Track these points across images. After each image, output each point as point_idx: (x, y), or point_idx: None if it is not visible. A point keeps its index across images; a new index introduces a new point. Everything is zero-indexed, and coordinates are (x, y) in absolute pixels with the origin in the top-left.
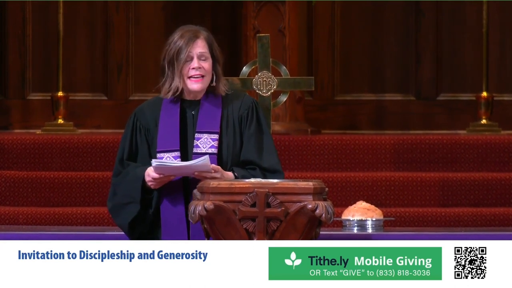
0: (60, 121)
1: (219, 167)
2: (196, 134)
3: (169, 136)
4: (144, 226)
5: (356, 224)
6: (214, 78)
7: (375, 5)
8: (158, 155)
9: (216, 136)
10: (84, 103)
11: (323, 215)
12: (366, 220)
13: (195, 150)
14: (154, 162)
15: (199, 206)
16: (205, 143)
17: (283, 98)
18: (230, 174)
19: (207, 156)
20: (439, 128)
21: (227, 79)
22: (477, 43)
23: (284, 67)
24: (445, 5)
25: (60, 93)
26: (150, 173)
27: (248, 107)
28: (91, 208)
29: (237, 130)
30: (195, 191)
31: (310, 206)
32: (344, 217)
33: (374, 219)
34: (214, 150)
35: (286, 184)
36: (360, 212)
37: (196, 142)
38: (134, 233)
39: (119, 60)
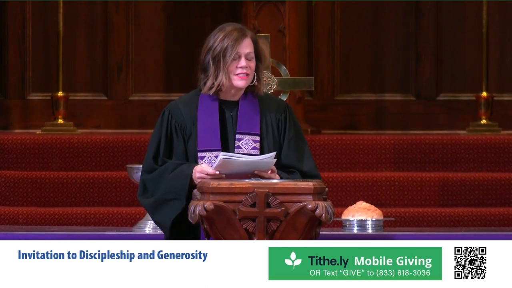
0: (60, 121)
1: (275, 168)
2: (237, 135)
3: (210, 136)
4: (185, 224)
5: (356, 224)
6: (255, 78)
7: (375, 5)
8: (199, 154)
9: (257, 138)
10: (84, 103)
11: (323, 215)
12: (366, 220)
13: (236, 151)
14: (222, 155)
15: (199, 206)
16: (247, 144)
17: (283, 98)
18: (278, 176)
19: (274, 153)
20: (439, 128)
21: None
22: (477, 43)
23: (284, 67)
24: (445, 5)
25: (60, 93)
26: (205, 169)
27: (284, 110)
28: (91, 208)
29: (275, 133)
30: (195, 191)
31: (310, 206)
32: (344, 217)
33: (374, 219)
34: (257, 152)
35: (286, 184)
36: (360, 212)
37: (237, 143)
38: (174, 231)
39: (119, 60)
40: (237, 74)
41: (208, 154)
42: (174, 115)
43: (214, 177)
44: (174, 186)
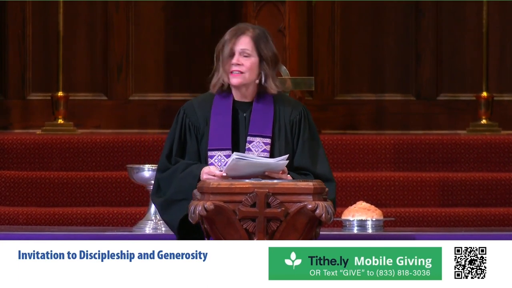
0: (60, 121)
1: (286, 169)
2: (248, 137)
3: (221, 135)
4: (193, 225)
5: (356, 224)
6: (263, 77)
7: (375, 5)
8: (209, 153)
9: (268, 140)
10: (84, 103)
11: (323, 215)
12: (366, 220)
13: (247, 153)
14: (235, 155)
15: (199, 206)
16: (257, 146)
17: None
18: (290, 177)
19: (287, 156)
20: (439, 128)
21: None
22: (477, 43)
23: (284, 67)
24: (445, 5)
25: (60, 93)
26: (212, 171)
27: (299, 112)
28: (91, 208)
29: (289, 135)
30: (195, 191)
31: (310, 206)
32: (344, 217)
33: (374, 219)
34: (267, 154)
35: (286, 184)
36: (360, 212)
37: (248, 145)
38: (182, 231)
39: (119, 60)
40: (231, 72)
41: (218, 153)
42: (188, 115)
43: (221, 178)
44: (183, 186)
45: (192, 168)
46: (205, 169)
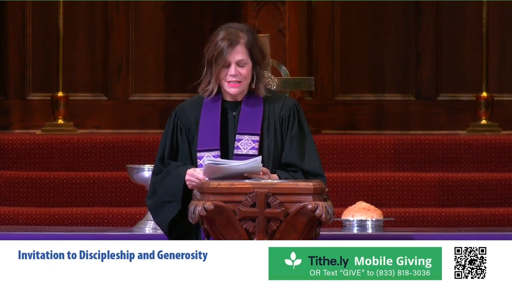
0: (60, 121)
1: (267, 169)
2: (237, 135)
3: (210, 136)
4: (183, 226)
5: (356, 224)
6: (255, 79)
7: (375, 5)
8: (198, 154)
9: (257, 138)
10: (84, 103)
11: (323, 215)
12: (366, 220)
13: (235, 152)
14: (207, 160)
15: (199, 206)
16: (246, 144)
17: None
18: (275, 176)
19: (260, 157)
20: (439, 128)
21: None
22: (477, 43)
23: (284, 67)
24: (445, 5)
25: (60, 93)
26: (195, 174)
27: (289, 109)
28: (91, 208)
29: (278, 132)
30: (195, 191)
31: (310, 206)
32: (344, 217)
33: (374, 219)
34: (255, 152)
35: (286, 185)
36: (360, 212)
37: (237, 144)
38: (173, 232)
39: (119, 60)
40: (228, 82)
41: (206, 154)
42: (180, 117)
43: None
44: (171, 188)
45: (179, 170)
46: (189, 171)
